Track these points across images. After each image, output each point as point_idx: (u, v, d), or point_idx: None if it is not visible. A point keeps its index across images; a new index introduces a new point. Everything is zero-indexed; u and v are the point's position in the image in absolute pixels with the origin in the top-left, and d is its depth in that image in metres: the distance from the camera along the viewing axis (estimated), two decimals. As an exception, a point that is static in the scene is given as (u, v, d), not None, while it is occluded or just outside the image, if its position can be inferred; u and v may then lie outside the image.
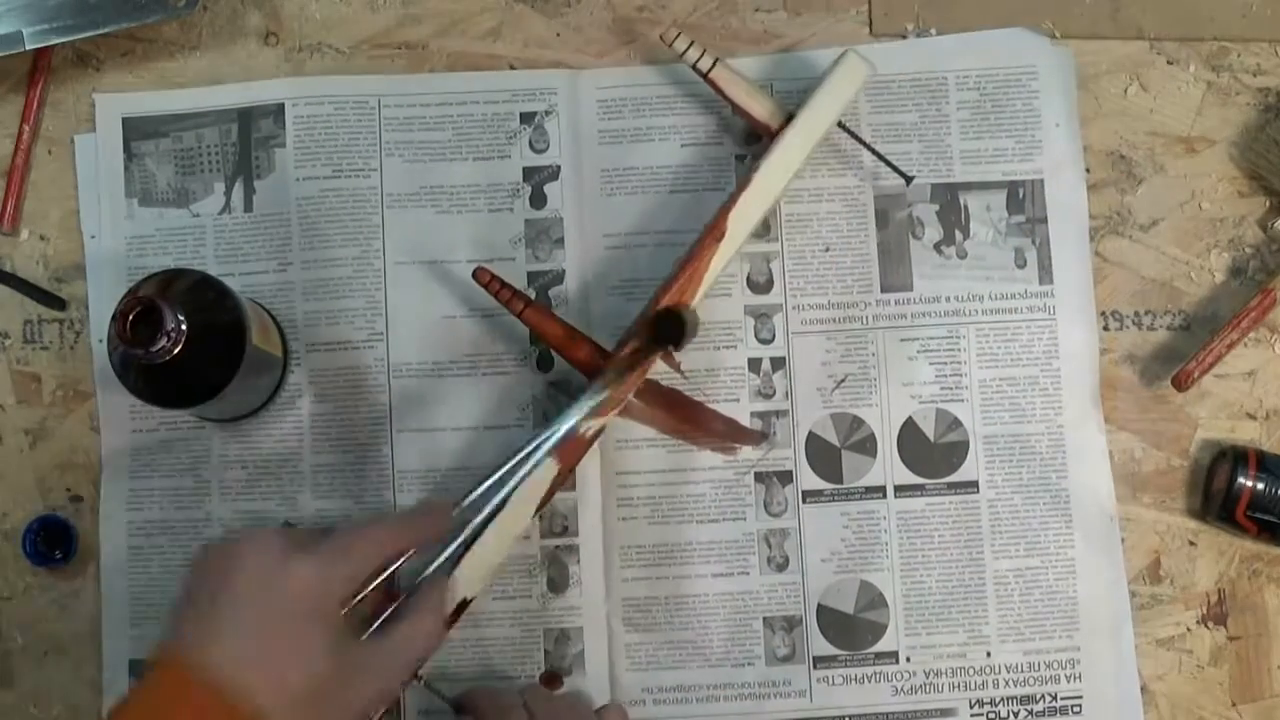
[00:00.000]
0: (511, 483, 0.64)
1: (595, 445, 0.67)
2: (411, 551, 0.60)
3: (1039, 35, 0.74)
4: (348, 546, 0.56)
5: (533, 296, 0.71)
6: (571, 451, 0.65)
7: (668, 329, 0.64)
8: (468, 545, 0.64)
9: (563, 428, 0.64)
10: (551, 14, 0.75)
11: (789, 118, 0.68)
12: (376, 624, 0.59)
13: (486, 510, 0.64)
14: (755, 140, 0.73)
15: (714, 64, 0.69)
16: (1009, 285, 0.73)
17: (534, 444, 0.64)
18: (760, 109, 0.69)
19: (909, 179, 0.71)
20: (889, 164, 0.70)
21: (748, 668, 0.71)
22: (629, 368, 0.65)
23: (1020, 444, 0.72)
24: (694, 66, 0.69)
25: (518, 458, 0.64)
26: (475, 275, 0.67)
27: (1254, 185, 0.74)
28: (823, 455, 0.72)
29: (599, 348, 0.67)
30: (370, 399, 0.72)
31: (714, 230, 0.67)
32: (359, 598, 0.57)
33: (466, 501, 0.63)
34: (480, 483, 0.63)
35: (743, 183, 0.67)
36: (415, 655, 0.59)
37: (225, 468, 0.72)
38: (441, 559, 0.63)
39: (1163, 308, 0.74)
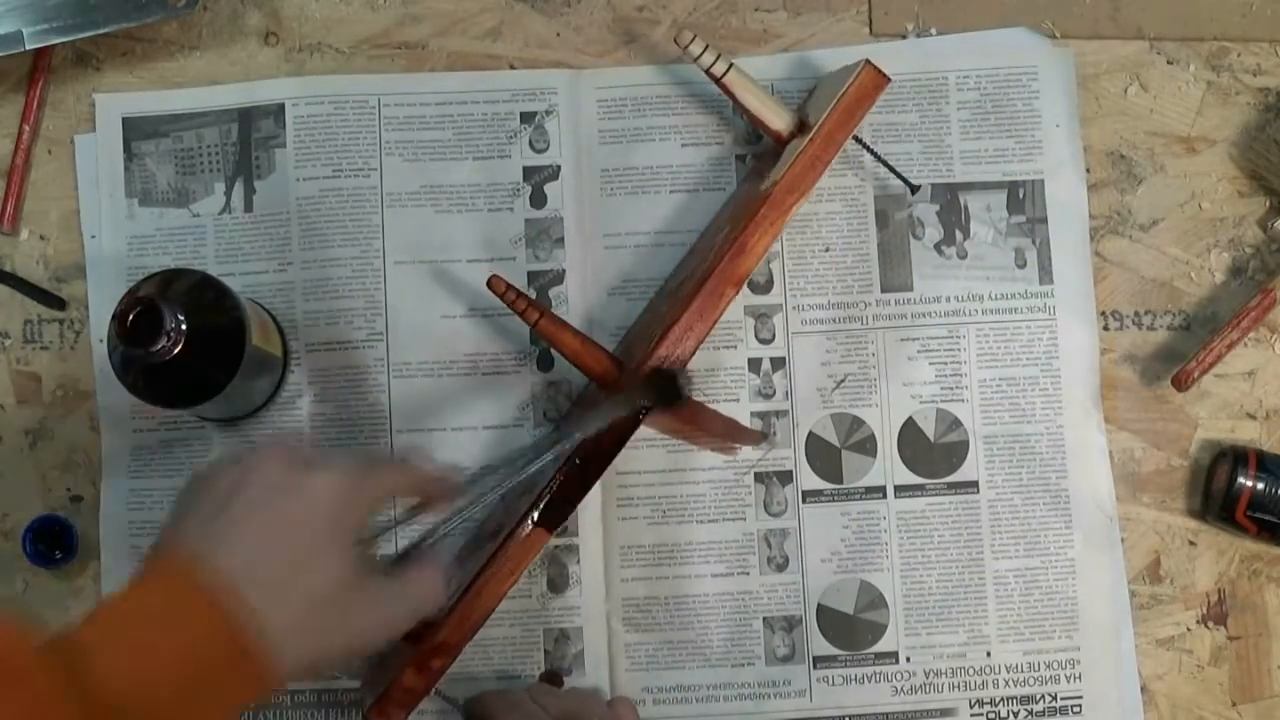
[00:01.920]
0: (530, 468, 0.61)
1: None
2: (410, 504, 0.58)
3: (1039, 35, 0.74)
4: (368, 472, 0.53)
5: (533, 296, 0.71)
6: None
7: (666, 392, 0.63)
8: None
9: (535, 467, 0.61)
10: (551, 14, 0.75)
11: (800, 125, 0.68)
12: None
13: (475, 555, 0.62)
14: (756, 140, 0.73)
15: (728, 69, 0.67)
16: (1009, 285, 0.73)
17: (515, 472, 0.61)
18: (774, 117, 0.68)
19: (914, 188, 0.71)
20: (897, 174, 0.70)
21: (747, 668, 0.71)
22: (614, 428, 0.63)
23: (1020, 444, 0.72)
24: (708, 71, 0.67)
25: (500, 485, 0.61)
26: (490, 284, 0.65)
27: (1254, 185, 0.74)
28: (823, 455, 0.72)
29: (614, 359, 0.67)
30: (370, 399, 0.72)
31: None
32: (369, 535, 0.54)
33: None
34: (500, 465, 0.62)
35: (757, 204, 0.65)
36: (419, 604, 0.55)
37: (225, 468, 0.71)
38: (441, 532, 0.60)
39: (1163, 308, 0.74)
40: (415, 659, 0.63)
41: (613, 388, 0.65)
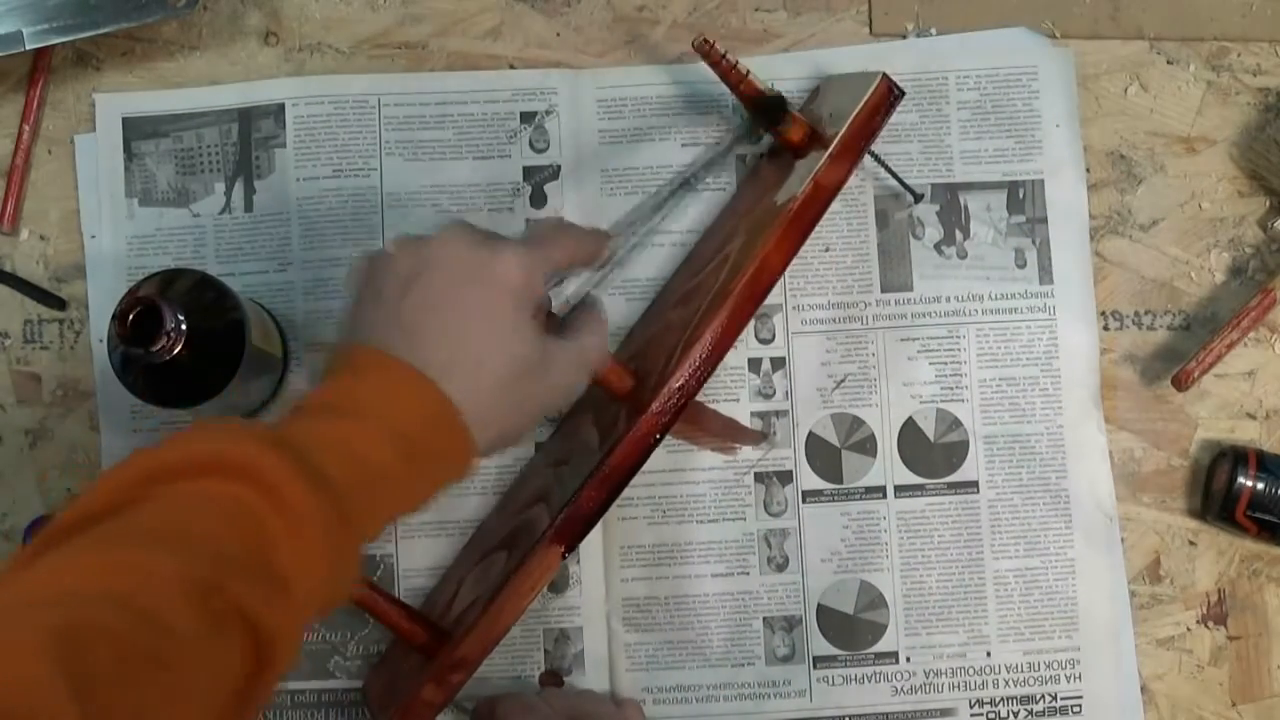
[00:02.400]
0: (660, 214, 0.66)
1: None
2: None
3: (1039, 35, 0.74)
4: (542, 242, 0.54)
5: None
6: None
7: (773, 116, 0.65)
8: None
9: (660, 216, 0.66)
10: (551, 14, 0.75)
11: (811, 132, 0.66)
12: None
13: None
14: (756, 140, 0.73)
15: (746, 75, 0.66)
16: (1009, 285, 0.73)
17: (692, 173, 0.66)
18: (793, 130, 0.66)
19: (919, 197, 0.71)
20: (904, 185, 0.70)
21: (747, 668, 0.71)
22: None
23: (1020, 444, 0.72)
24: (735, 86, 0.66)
25: (672, 190, 0.66)
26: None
27: (1254, 185, 0.74)
28: (823, 455, 0.72)
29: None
30: (370, 399, 0.71)
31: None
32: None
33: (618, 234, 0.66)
34: (632, 217, 0.66)
35: (781, 219, 0.63)
36: (592, 361, 0.57)
37: (225, 468, 0.71)
38: (595, 284, 0.62)
39: (1163, 308, 0.74)
40: (435, 673, 0.62)
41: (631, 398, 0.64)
